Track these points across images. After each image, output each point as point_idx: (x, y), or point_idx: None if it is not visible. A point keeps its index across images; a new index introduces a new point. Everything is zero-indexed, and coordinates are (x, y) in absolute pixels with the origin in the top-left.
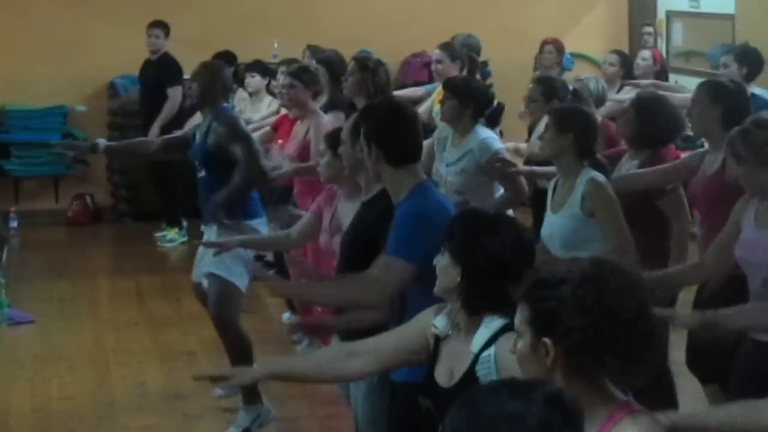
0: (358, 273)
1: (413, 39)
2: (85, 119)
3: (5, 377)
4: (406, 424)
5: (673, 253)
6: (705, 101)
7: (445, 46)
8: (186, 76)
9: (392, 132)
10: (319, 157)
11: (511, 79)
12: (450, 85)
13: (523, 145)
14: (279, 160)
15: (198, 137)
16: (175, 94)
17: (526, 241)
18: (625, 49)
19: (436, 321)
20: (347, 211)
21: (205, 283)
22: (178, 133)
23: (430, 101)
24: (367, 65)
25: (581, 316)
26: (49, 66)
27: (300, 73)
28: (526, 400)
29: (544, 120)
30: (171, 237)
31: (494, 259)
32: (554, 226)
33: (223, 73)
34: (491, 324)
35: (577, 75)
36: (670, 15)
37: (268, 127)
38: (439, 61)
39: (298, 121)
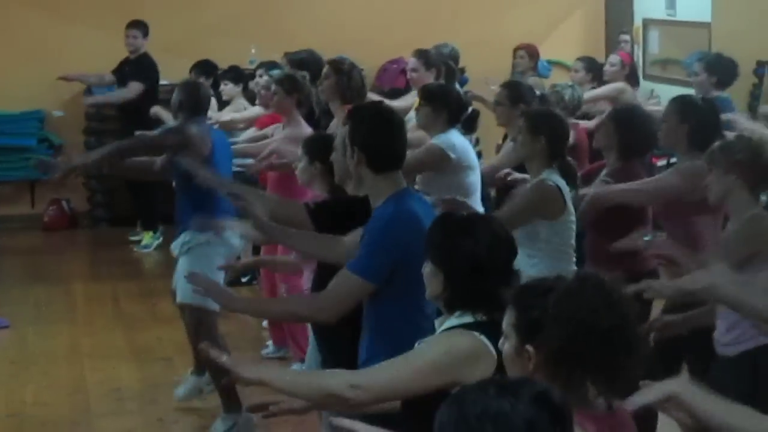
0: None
1: (390, 45)
2: (62, 124)
3: None
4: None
5: None
6: (674, 118)
7: (421, 54)
8: (163, 82)
9: (377, 137)
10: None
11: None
12: (424, 92)
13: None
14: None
15: None
16: (133, 88)
17: (502, 236)
18: (602, 57)
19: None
20: None
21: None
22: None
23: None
24: (342, 68)
25: (557, 327)
26: (26, 70)
27: (283, 81)
28: (513, 398)
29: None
30: (146, 242)
31: (473, 260)
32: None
33: (197, 92)
34: (458, 318)
35: (553, 83)
36: (647, 23)
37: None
38: (414, 70)
39: (281, 125)
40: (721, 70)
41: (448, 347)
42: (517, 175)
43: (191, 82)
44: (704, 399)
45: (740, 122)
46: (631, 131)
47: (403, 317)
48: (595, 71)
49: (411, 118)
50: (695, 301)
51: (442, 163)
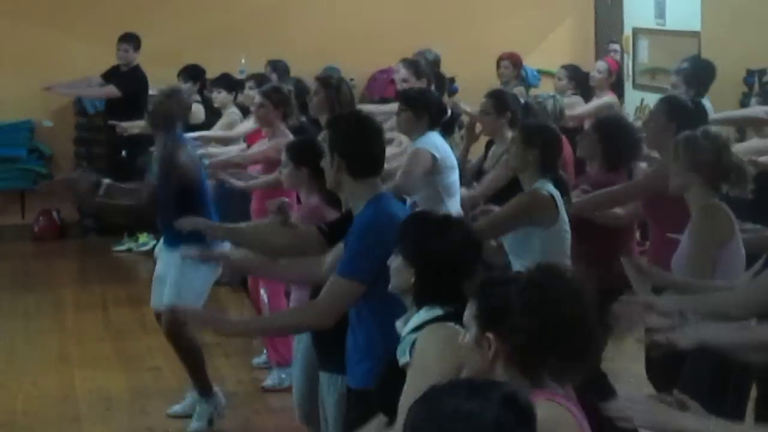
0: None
1: (380, 55)
2: (52, 134)
3: None
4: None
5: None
6: (662, 118)
7: (411, 64)
8: (152, 91)
9: (355, 143)
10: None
11: (478, 95)
12: (404, 97)
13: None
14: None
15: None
16: (107, 90)
17: (473, 239)
18: (592, 66)
19: (398, 323)
20: None
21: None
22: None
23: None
24: (330, 83)
25: (527, 317)
26: (15, 80)
27: (270, 93)
28: (482, 399)
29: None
30: (143, 241)
31: (444, 259)
32: (507, 237)
33: (178, 99)
34: (428, 312)
35: (536, 93)
36: (637, 32)
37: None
38: (404, 80)
39: (266, 138)
40: (698, 81)
41: (442, 353)
42: (494, 208)
43: (166, 92)
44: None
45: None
46: (615, 141)
47: (385, 313)
48: (578, 79)
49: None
50: None
51: (432, 165)
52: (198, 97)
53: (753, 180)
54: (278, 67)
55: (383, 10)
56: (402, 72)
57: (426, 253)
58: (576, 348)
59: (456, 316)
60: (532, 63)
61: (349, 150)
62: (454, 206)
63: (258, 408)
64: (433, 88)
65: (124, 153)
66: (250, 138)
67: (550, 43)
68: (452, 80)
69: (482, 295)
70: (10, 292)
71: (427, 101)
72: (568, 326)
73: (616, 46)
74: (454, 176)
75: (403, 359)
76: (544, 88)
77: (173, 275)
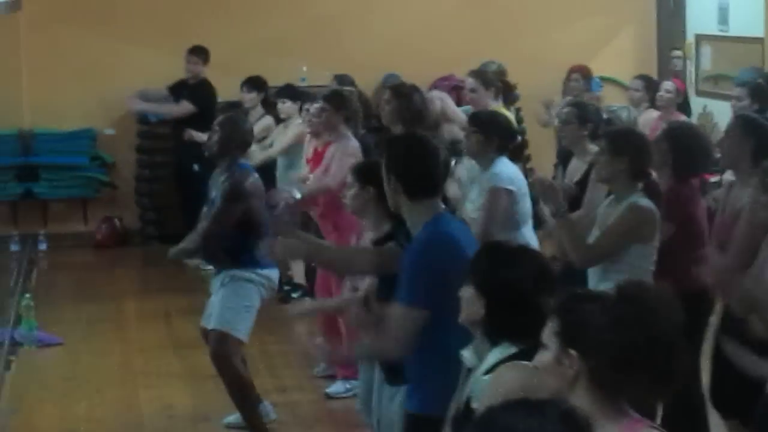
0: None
1: (440, 63)
2: (113, 142)
3: (34, 399)
4: None
5: None
6: (737, 134)
7: (478, 74)
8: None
9: (412, 165)
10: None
11: (538, 103)
12: (475, 120)
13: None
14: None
15: (214, 190)
16: (183, 107)
17: (548, 272)
18: (653, 73)
19: (464, 353)
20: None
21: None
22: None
23: None
24: (402, 92)
25: (615, 333)
26: (78, 89)
27: (331, 97)
28: (540, 417)
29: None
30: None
31: (517, 292)
32: None
33: (242, 127)
34: (503, 351)
35: (606, 101)
36: (699, 38)
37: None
38: (473, 90)
39: (329, 146)
40: (764, 94)
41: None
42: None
43: (228, 118)
44: None
45: None
46: (685, 149)
47: (443, 341)
48: (653, 91)
49: None
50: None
51: (508, 201)
52: (261, 109)
53: None
54: (344, 81)
55: (443, 17)
56: (470, 82)
57: (497, 284)
58: (662, 369)
59: (530, 355)
60: (593, 70)
61: (405, 171)
62: (527, 233)
63: (321, 416)
64: (500, 98)
65: (196, 167)
66: (312, 161)
67: (612, 50)
68: (513, 88)
69: (565, 312)
70: (72, 300)
71: (497, 125)
72: (656, 344)
73: (679, 53)
74: (528, 203)
75: (477, 404)
76: (606, 96)
77: (219, 298)
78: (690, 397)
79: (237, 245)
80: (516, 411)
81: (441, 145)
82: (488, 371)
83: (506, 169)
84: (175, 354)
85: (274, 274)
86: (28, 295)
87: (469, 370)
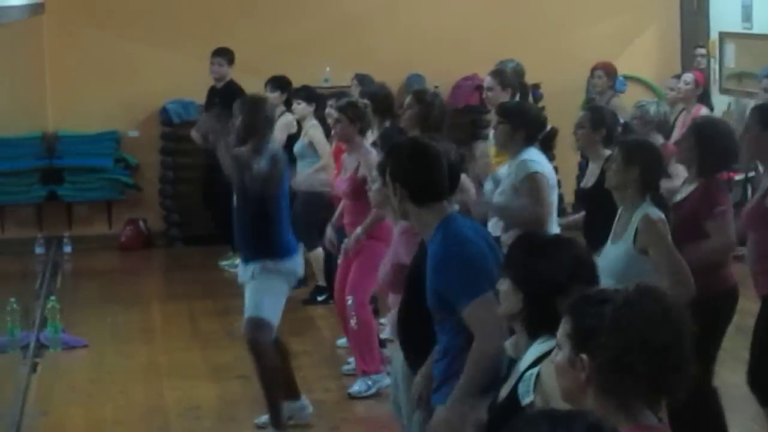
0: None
1: (464, 62)
2: (137, 144)
3: (60, 401)
4: None
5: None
6: (757, 127)
7: (496, 74)
8: None
9: (416, 172)
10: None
11: (562, 101)
12: (502, 110)
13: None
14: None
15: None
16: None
17: (584, 260)
18: (677, 71)
19: (507, 344)
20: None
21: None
22: None
23: None
24: (424, 98)
25: (614, 336)
26: (101, 92)
27: (346, 109)
28: (566, 430)
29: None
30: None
31: (553, 283)
32: (608, 258)
33: (265, 107)
34: (543, 344)
35: (636, 98)
36: (723, 36)
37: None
38: (489, 89)
39: (345, 153)
40: None
41: None
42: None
43: (247, 98)
44: None
45: None
46: (712, 145)
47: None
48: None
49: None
50: None
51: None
52: (283, 107)
53: None
54: (364, 81)
55: (467, 17)
56: (487, 80)
57: (534, 276)
58: (661, 376)
59: None
60: (618, 69)
61: (409, 179)
62: (554, 225)
63: (346, 416)
64: (517, 97)
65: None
66: (335, 154)
67: (636, 48)
68: (536, 86)
69: (578, 314)
70: (97, 302)
71: (525, 115)
72: (655, 352)
73: (703, 51)
74: (554, 195)
75: (527, 398)
76: (629, 95)
77: (249, 289)
78: (706, 406)
79: (263, 234)
80: (541, 423)
81: (445, 149)
82: (530, 367)
83: (537, 156)
84: (200, 355)
85: (298, 263)
86: (53, 298)
87: (512, 361)
